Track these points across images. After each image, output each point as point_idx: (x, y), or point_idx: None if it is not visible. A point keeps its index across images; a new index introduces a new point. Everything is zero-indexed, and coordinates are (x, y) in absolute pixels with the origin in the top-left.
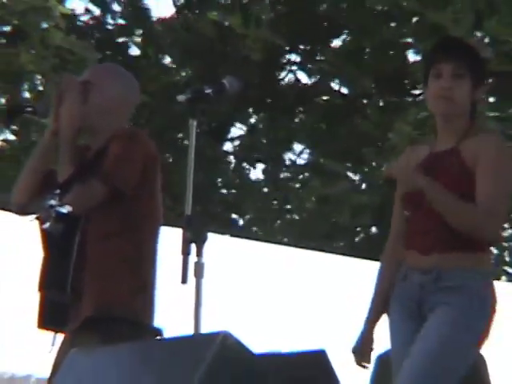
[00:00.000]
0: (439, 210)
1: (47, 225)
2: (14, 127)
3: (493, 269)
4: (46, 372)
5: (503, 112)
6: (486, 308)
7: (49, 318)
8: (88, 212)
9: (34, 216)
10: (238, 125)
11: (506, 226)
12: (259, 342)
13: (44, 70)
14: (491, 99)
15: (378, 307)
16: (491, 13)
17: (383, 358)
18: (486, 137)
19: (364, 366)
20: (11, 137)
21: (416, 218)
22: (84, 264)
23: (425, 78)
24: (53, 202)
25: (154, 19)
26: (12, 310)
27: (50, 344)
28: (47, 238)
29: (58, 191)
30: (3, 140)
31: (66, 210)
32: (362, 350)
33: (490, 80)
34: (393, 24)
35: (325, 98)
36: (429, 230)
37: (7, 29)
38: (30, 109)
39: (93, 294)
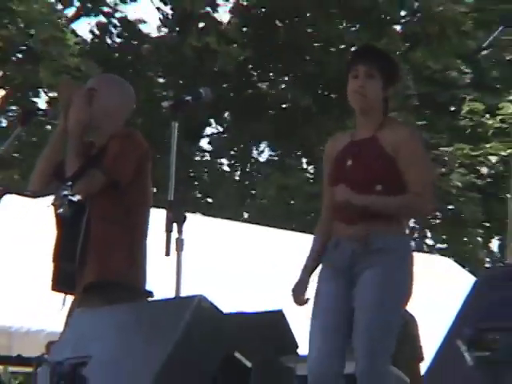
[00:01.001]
0: (381, 211)
1: (61, 210)
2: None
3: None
4: (57, 327)
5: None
6: (409, 268)
7: (60, 283)
8: (90, 198)
9: (51, 203)
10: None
11: None
12: (229, 304)
13: (58, 83)
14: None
15: (313, 262)
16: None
17: None
18: (403, 128)
19: (299, 304)
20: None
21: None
22: (88, 241)
23: (346, 78)
24: (66, 192)
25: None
26: (29, 274)
27: (61, 304)
28: (60, 220)
29: (69, 183)
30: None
31: (76, 198)
32: (297, 291)
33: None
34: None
35: (285, 105)
36: (352, 204)
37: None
38: (41, 112)
39: (95, 264)
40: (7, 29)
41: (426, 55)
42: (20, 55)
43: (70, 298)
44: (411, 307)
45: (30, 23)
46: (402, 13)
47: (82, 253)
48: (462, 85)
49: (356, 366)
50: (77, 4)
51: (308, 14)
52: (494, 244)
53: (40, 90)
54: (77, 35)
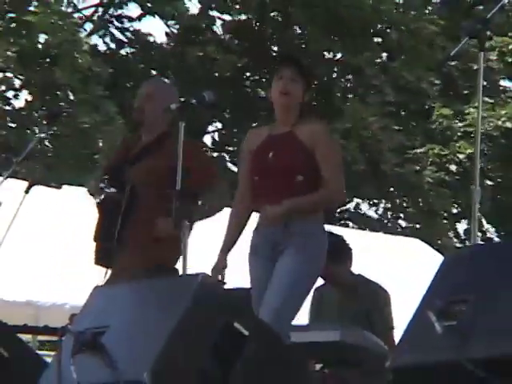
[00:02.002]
0: (303, 210)
1: (98, 200)
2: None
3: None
4: (79, 300)
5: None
6: (323, 247)
7: (101, 259)
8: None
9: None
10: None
11: None
12: (232, 282)
13: (73, 82)
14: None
15: (228, 243)
16: (398, 54)
17: (319, 290)
18: (318, 125)
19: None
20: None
21: (264, 183)
22: (126, 224)
23: (272, 81)
24: (102, 185)
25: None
26: (54, 255)
27: (102, 276)
28: (101, 207)
29: (105, 176)
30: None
31: (111, 190)
32: (216, 270)
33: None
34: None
35: None
36: (275, 191)
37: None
38: (64, 113)
39: (143, 250)
40: (24, 38)
41: (402, 66)
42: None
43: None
44: (385, 283)
45: (44, 31)
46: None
47: (120, 234)
48: (432, 95)
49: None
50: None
51: (297, 27)
52: (461, 229)
53: (59, 92)
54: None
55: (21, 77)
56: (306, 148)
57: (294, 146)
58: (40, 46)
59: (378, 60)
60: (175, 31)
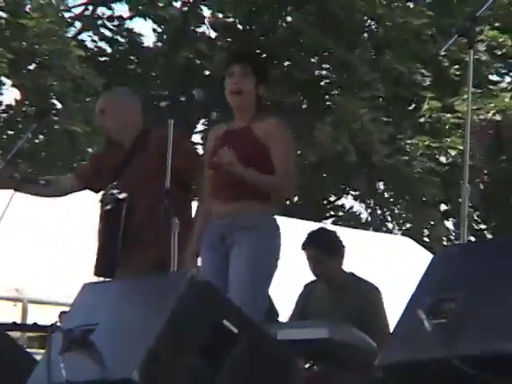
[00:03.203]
0: (251, 183)
1: (108, 207)
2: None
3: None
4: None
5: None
6: (276, 238)
7: (101, 269)
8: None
9: (99, 200)
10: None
11: None
12: None
13: (64, 90)
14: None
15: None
16: (387, 48)
17: (309, 286)
18: (273, 120)
19: None
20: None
21: (217, 176)
22: (129, 230)
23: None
24: (114, 191)
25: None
26: (45, 254)
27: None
28: (105, 214)
29: (115, 183)
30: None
31: (122, 196)
32: (191, 255)
33: None
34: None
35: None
36: (226, 184)
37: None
38: (54, 111)
39: (151, 251)
40: (18, 42)
41: (393, 59)
42: (31, 66)
43: None
44: (375, 281)
45: (38, 37)
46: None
47: (124, 240)
48: (423, 86)
49: None
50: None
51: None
52: (451, 224)
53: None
54: (83, 46)
55: (9, 81)
56: (261, 143)
57: (248, 140)
58: (31, 51)
59: (368, 57)
60: (163, 32)
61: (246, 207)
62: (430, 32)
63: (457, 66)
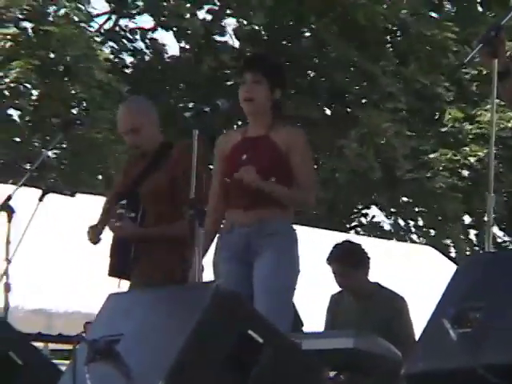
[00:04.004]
0: (277, 197)
1: (118, 224)
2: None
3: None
4: (93, 308)
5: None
6: (296, 246)
7: (115, 272)
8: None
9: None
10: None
11: None
12: None
13: (91, 96)
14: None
15: (206, 245)
16: (411, 60)
17: (335, 297)
18: (293, 129)
19: None
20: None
21: (235, 185)
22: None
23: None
24: (122, 211)
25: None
26: (68, 264)
27: (116, 286)
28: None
29: (124, 201)
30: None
31: (131, 215)
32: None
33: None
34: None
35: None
36: (245, 193)
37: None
38: (78, 121)
39: (155, 264)
40: (45, 49)
41: (416, 71)
42: (57, 74)
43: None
44: (399, 291)
45: (64, 43)
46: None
47: (136, 249)
48: (446, 100)
49: None
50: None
51: (309, 34)
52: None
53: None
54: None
55: (35, 91)
56: (281, 152)
57: (268, 149)
58: (57, 58)
59: (392, 68)
60: (188, 45)
61: (269, 214)
62: (455, 47)
63: (477, 79)
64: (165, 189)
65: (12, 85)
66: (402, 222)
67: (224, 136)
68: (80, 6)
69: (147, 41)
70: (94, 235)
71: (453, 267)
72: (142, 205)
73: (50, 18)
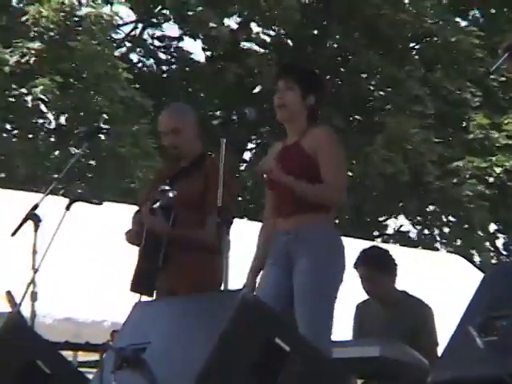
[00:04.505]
0: (301, 194)
1: (156, 205)
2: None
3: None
4: (119, 317)
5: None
6: (337, 251)
7: (139, 285)
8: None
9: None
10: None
11: None
12: None
13: (114, 112)
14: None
15: (257, 264)
16: (437, 68)
17: (361, 306)
18: (318, 130)
19: None
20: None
21: (274, 194)
22: (171, 248)
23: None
24: (165, 187)
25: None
26: (95, 272)
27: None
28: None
29: (167, 181)
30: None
31: (172, 194)
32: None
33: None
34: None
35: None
36: (286, 201)
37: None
38: (104, 130)
39: (188, 274)
40: (67, 64)
41: (443, 77)
42: (79, 85)
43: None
44: (426, 299)
45: (86, 59)
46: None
47: (165, 257)
48: (472, 106)
49: None
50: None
51: (335, 43)
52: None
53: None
54: (132, 65)
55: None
56: (310, 155)
57: (298, 155)
58: (80, 73)
59: (418, 74)
60: (212, 51)
61: (307, 220)
62: (481, 53)
63: (505, 86)
64: (196, 197)
65: (35, 102)
66: (426, 231)
67: (272, 147)
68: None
69: (172, 49)
70: (133, 238)
71: (479, 276)
72: (173, 212)
73: (75, 33)
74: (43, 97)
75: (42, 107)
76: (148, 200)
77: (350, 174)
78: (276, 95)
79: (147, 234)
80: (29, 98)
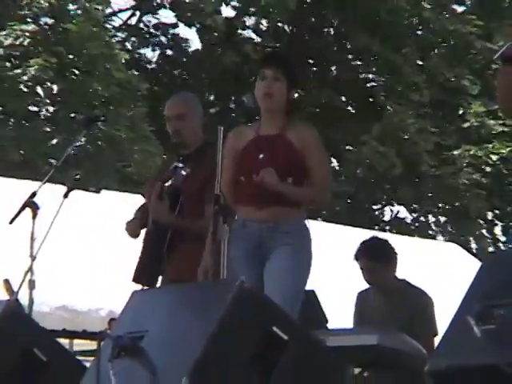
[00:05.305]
0: (294, 199)
1: (169, 182)
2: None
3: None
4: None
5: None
6: (309, 244)
7: (142, 276)
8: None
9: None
10: None
11: None
12: None
13: (110, 95)
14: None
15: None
16: (430, 50)
17: (363, 294)
18: (305, 127)
19: None
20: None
21: (250, 184)
22: (176, 238)
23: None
24: (179, 165)
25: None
26: (93, 261)
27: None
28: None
29: (181, 158)
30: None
31: (185, 172)
32: (203, 271)
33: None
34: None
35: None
36: (263, 192)
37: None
38: (102, 118)
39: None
40: (62, 47)
41: (440, 63)
42: (75, 70)
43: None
44: (426, 288)
45: (81, 41)
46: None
47: (171, 241)
48: (471, 93)
49: None
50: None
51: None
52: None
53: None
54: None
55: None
56: (297, 150)
57: (285, 148)
58: (75, 57)
59: (415, 59)
60: (208, 39)
61: (283, 213)
62: (478, 40)
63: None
64: (197, 186)
65: (30, 83)
66: (422, 218)
67: (235, 132)
68: (97, 6)
69: (169, 36)
70: (133, 229)
71: (477, 264)
72: (181, 197)
73: (70, 16)
74: (38, 74)
75: (39, 89)
76: (153, 191)
77: (347, 160)
78: (262, 84)
79: (152, 224)
80: (24, 78)
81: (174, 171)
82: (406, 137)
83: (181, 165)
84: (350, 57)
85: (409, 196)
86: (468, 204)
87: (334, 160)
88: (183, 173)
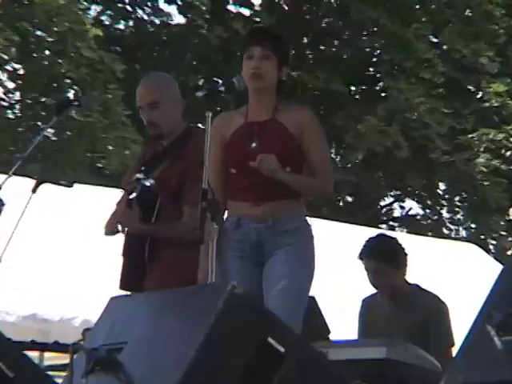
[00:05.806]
0: (299, 189)
1: (133, 195)
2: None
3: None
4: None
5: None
6: (312, 243)
7: (127, 283)
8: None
9: (123, 186)
10: None
11: None
12: None
13: (80, 76)
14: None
15: None
16: (445, 24)
17: (368, 301)
18: (301, 110)
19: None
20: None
21: (244, 175)
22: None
23: (241, 59)
24: (140, 176)
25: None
26: (63, 263)
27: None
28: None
29: (143, 168)
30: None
31: (148, 182)
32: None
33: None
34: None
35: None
36: (257, 183)
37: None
38: (76, 103)
39: (171, 268)
40: (27, 22)
41: (455, 37)
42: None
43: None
44: (441, 293)
45: (48, 15)
46: None
47: (151, 249)
48: (490, 72)
49: None
50: None
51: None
52: None
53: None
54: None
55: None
56: (294, 137)
57: (279, 134)
58: (43, 34)
59: (426, 33)
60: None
61: (283, 208)
62: (501, 14)
63: None
64: (175, 183)
65: None
66: (435, 217)
67: (222, 118)
68: None
69: (148, 9)
70: (111, 227)
71: (498, 267)
72: (158, 202)
73: None
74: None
75: None
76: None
77: (349, 146)
78: (249, 63)
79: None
80: None
81: (137, 183)
82: (413, 117)
83: (142, 176)
84: (352, 32)
85: (418, 186)
86: (486, 194)
87: (333, 147)
88: (147, 184)
